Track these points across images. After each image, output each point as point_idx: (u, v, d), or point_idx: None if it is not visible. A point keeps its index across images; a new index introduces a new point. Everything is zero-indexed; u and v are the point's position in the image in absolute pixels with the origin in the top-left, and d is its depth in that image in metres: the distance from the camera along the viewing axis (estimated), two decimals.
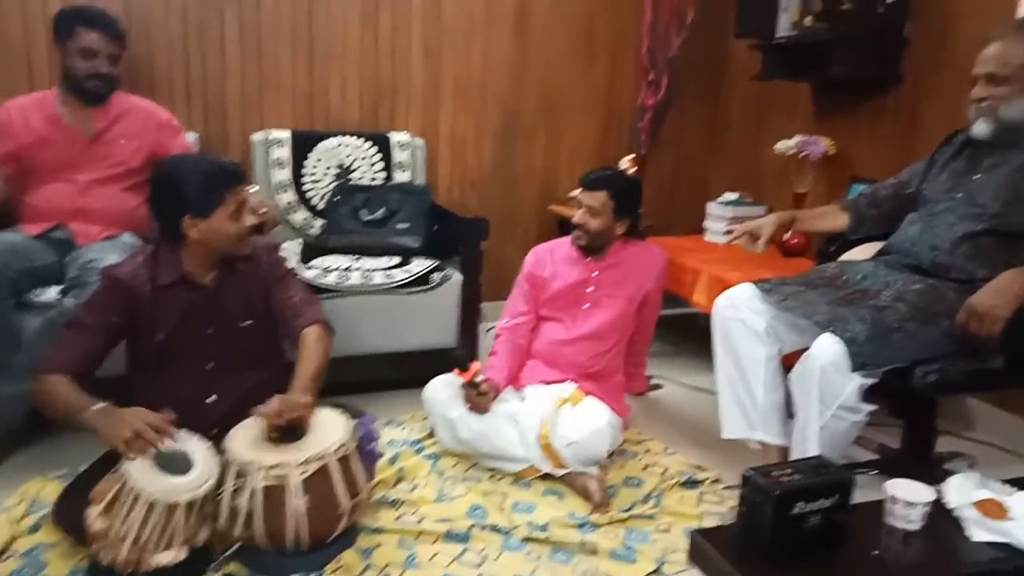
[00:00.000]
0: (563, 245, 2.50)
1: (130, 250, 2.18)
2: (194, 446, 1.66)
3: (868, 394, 1.79)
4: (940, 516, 1.35)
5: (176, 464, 1.60)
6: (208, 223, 1.78)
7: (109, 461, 1.71)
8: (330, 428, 1.73)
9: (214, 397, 1.89)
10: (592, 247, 2.39)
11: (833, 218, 2.27)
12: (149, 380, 1.87)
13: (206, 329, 1.88)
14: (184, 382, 1.87)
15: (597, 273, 2.41)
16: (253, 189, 2.38)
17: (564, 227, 3.29)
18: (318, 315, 1.95)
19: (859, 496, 1.39)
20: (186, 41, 2.88)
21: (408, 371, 2.61)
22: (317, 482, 1.63)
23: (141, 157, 2.41)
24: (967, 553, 1.27)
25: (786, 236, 3.07)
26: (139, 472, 1.55)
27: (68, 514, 1.69)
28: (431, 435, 2.34)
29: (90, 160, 2.35)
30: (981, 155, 1.95)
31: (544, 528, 1.89)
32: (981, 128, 1.89)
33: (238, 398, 1.84)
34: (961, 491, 1.42)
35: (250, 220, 1.86)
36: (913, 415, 2.13)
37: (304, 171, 2.95)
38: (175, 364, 1.87)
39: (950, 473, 1.50)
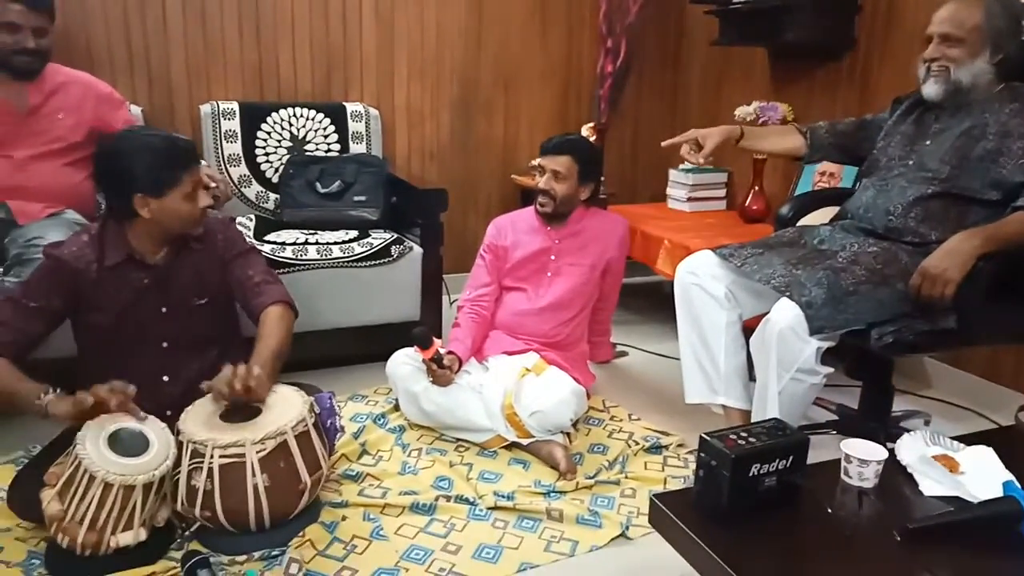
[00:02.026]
0: (524, 215, 2.49)
1: (74, 227, 2.11)
2: (150, 426, 1.62)
3: (825, 357, 1.81)
4: (894, 473, 1.38)
5: (132, 444, 1.57)
6: (161, 203, 1.72)
7: (63, 443, 1.67)
8: (287, 405, 1.71)
9: (167, 377, 1.84)
10: (557, 214, 2.38)
11: (785, 137, 2.18)
12: (100, 361, 1.82)
13: (159, 309, 1.82)
14: (137, 363, 1.81)
15: (559, 241, 2.40)
16: (202, 164, 2.32)
17: (526, 197, 3.28)
18: (280, 294, 1.90)
19: (817, 456, 1.41)
20: (125, 11, 2.78)
21: (371, 345, 2.59)
22: (276, 459, 1.61)
23: (82, 131, 2.32)
24: (919, 507, 1.30)
25: (747, 202, 3.10)
26: (94, 453, 1.51)
27: (22, 498, 1.65)
28: (396, 408, 2.33)
29: (27, 136, 2.26)
30: (929, 119, 1.97)
31: (510, 497, 1.90)
32: (932, 89, 1.90)
33: (193, 378, 1.80)
34: (913, 448, 1.45)
35: (204, 201, 1.80)
36: (870, 376, 2.17)
37: (256, 144, 2.87)
38: (127, 345, 1.81)
39: (907, 431, 1.53)
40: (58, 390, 1.62)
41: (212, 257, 1.88)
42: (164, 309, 1.83)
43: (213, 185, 2.13)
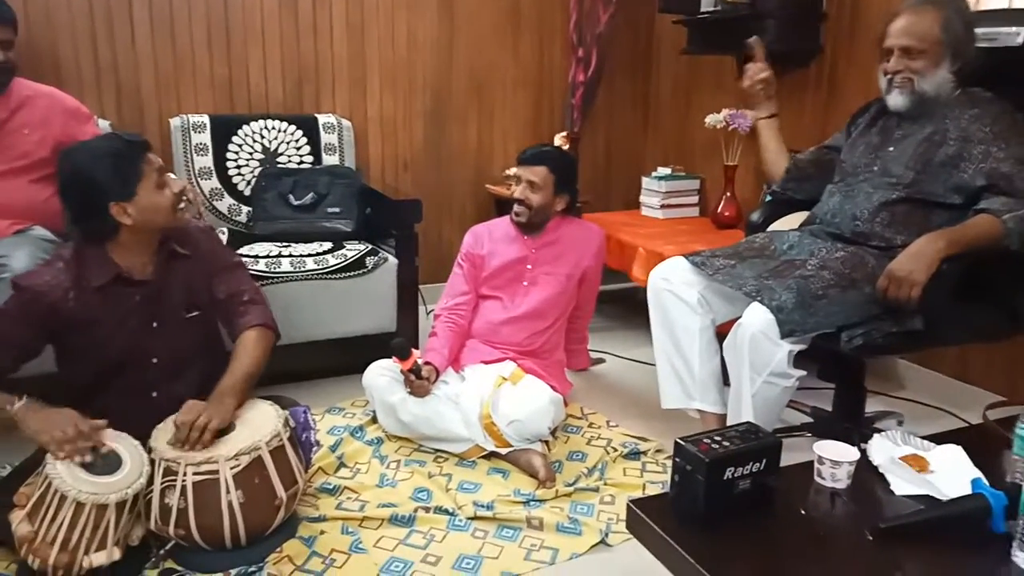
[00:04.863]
0: (500, 224, 2.50)
1: (41, 244, 2.08)
2: (122, 444, 1.60)
3: (798, 360, 1.84)
4: (866, 473, 1.40)
5: (104, 463, 1.54)
6: (136, 203, 1.68)
7: (33, 464, 1.64)
8: (262, 419, 1.70)
9: (156, 393, 1.81)
10: (532, 223, 2.39)
11: (780, 153, 2.23)
12: (87, 380, 1.78)
13: (150, 324, 1.79)
14: (126, 380, 1.78)
15: (536, 250, 2.41)
16: (171, 177, 2.30)
17: (501, 206, 3.29)
18: (263, 316, 1.86)
19: (793, 458, 1.43)
20: (92, 24, 2.75)
21: (348, 357, 2.58)
22: (251, 475, 1.60)
23: (48, 147, 2.28)
24: (890, 506, 1.32)
25: (719, 208, 3.13)
26: (65, 473, 1.48)
27: None
28: (373, 420, 2.32)
29: None
30: (892, 127, 2.01)
31: (490, 506, 1.90)
32: (899, 100, 1.93)
33: (182, 393, 1.76)
34: (884, 448, 1.47)
35: (176, 186, 1.76)
36: (843, 378, 2.20)
37: (228, 157, 2.85)
38: (117, 363, 1.77)
39: (880, 432, 1.56)
40: (25, 398, 1.59)
41: (200, 268, 1.85)
42: (155, 324, 1.79)
43: (188, 196, 2.12)
